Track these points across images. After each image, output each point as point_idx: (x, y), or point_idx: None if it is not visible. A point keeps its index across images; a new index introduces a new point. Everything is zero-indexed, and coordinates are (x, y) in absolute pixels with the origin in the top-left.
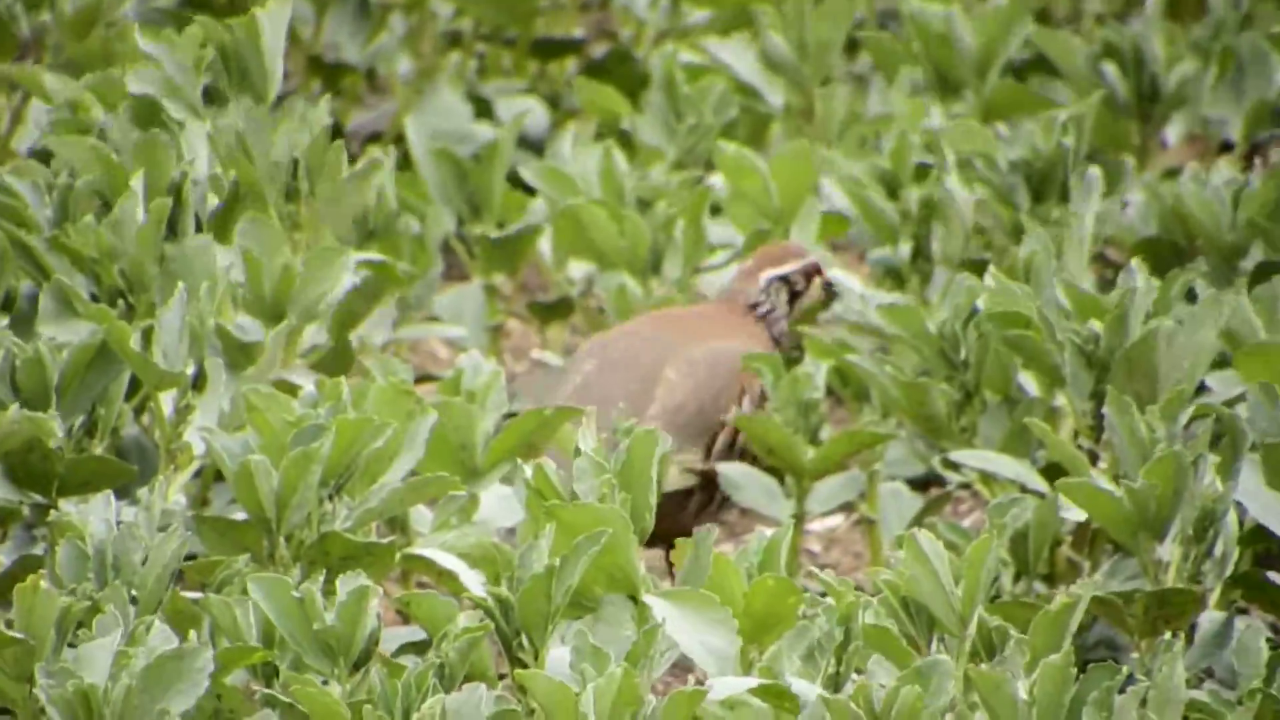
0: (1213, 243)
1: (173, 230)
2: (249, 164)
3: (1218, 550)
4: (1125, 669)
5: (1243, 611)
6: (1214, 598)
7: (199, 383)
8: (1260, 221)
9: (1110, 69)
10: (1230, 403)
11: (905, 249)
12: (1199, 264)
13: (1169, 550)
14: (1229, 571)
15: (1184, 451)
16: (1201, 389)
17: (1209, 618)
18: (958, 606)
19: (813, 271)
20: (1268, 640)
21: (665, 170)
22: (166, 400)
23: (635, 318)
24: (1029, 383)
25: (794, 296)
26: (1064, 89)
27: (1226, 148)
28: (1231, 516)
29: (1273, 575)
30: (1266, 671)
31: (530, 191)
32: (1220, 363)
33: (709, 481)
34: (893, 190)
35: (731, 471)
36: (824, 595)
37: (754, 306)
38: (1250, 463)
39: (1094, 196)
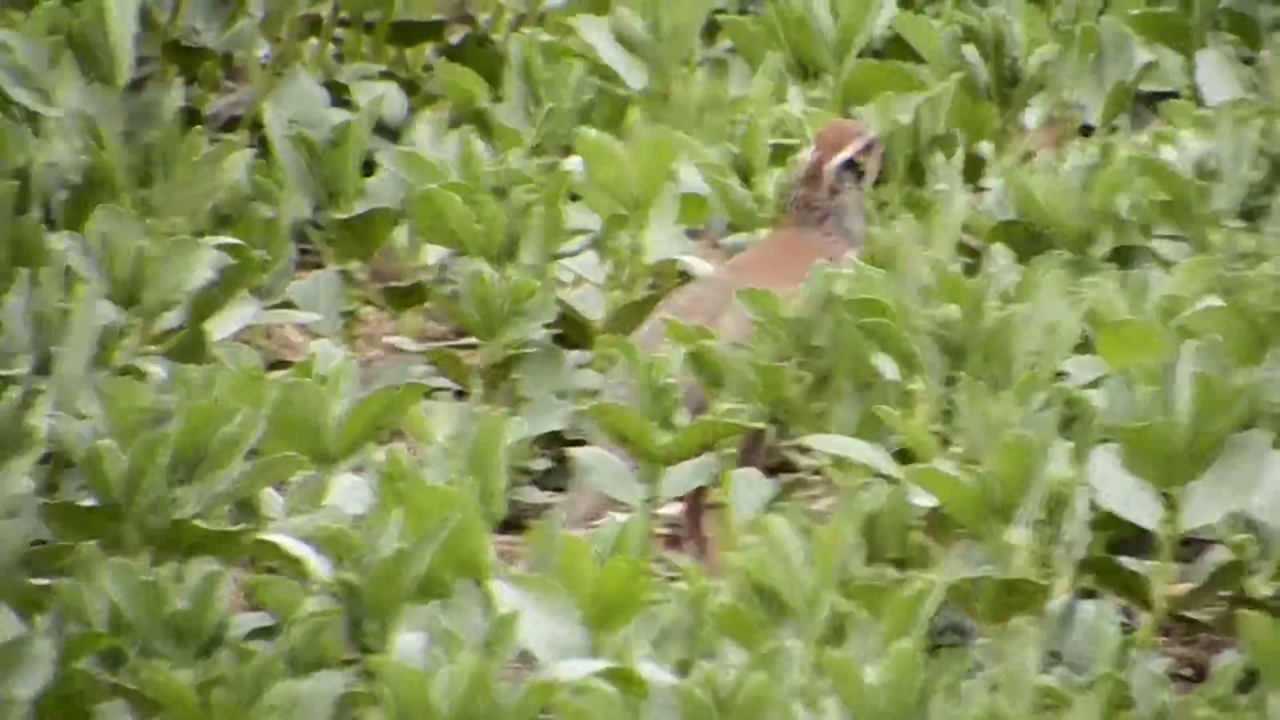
0: (1064, 228)
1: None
2: (100, 150)
3: (1068, 535)
4: (975, 655)
5: (1091, 595)
6: (1064, 583)
7: (46, 368)
8: (1109, 207)
9: (971, 52)
10: (1088, 387)
11: (761, 234)
12: (1062, 250)
13: (1019, 535)
14: (1079, 556)
15: (1032, 436)
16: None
17: (1057, 601)
18: (809, 591)
19: (872, 144)
20: (1120, 625)
21: (524, 155)
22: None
23: (727, 262)
24: (888, 365)
25: (860, 178)
26: (926, 73)
27: (1086, 131)
28: (1083, 501)
29: (1125, 560)
30: (1118, 656)
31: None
32: (1080, 346)
33: None
34: (746, 175)
35: (583, 455)
36: (674, 580)
37: (825, 219)
38: (1105, 448)
39: (958, 181)
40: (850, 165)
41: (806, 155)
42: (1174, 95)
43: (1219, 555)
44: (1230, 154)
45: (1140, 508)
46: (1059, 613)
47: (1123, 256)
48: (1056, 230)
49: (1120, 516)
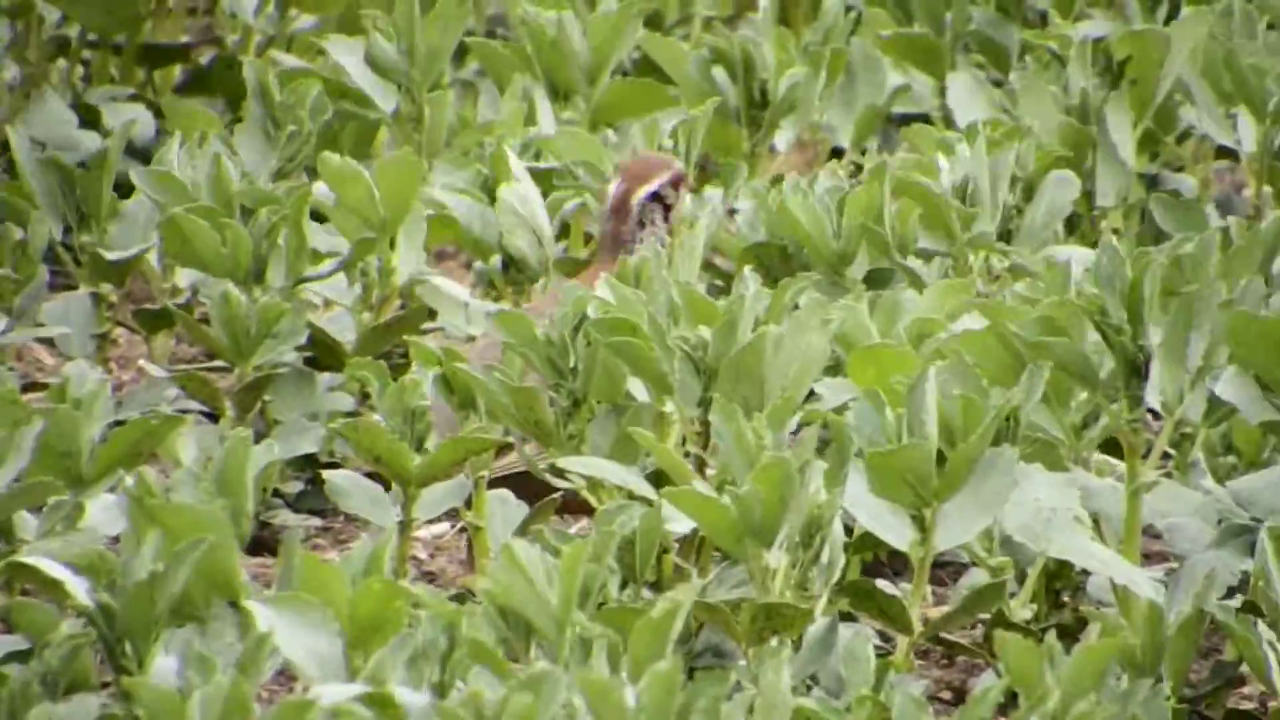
0: (818, 250)
1: None
2: None
3: (825, 558)
4: (733, 676)
5: (850, 618)
6: (821, 605)
7: None
8: (869, 226)
9: (721, 75)
10: (841, 409)
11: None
12: (812, 272)
13: (777, 557)
14: (835, 579)
15: (790, 458)
16: (813, 396)
17: (815, 624)
18: (555, 613)
19: (679, 179)
20: (875, 648)
21: (268, 178)
22: None
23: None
24: (641, 389)
25: (667, 211)
26: (676, 94)
27: (837, 153)
28: (839, 524)
29: (881, 583)
30: (875, 679)
31: None
32: (833, 368)
33: None
34: (495, 198)
35: (337, 479)
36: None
37: (634, 252)
38: (857, 470)
39: (711, 207)
40: (656, 197)
41: (611, 188)
42: (925, 118)
43: (976, 578)
44: (986, 176)
45: (893, 530)
46: (817, 635)
47: (877, 278)
48: (810, 252)
49: (877, 539)
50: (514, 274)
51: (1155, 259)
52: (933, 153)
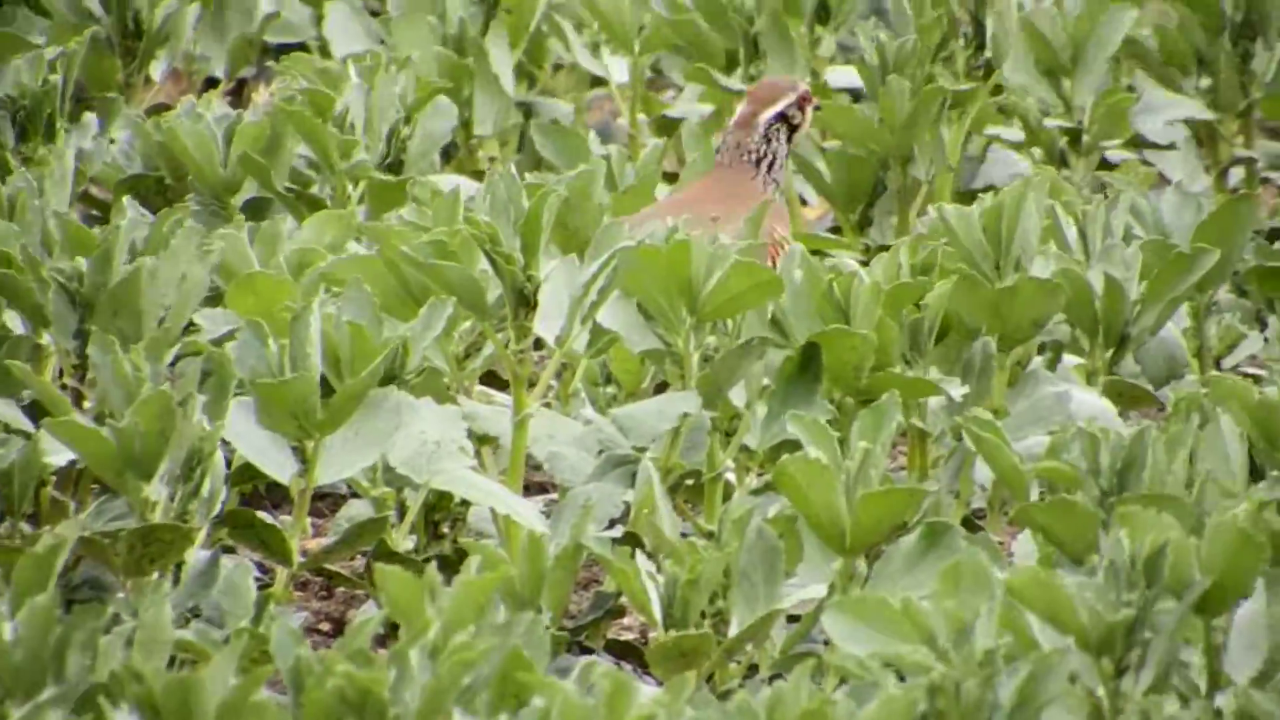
0: (205, 179)
1: None
2: None
3: (205, 489)
4: (111, 609)
5: (230, 550)
6: (202, 536)
7: None
8: (254, 157)
9: (96, 5)
10: (222, 340)
11: None
12: (190, 201)
13: (158, 490)
14: (216, 510)
15: (170, 390)
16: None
17: (197, 557)
18: None
19: (805, 100)
20: (255, 579)
21: None
22: None
23: (666, 198)
24: (18, 319)
25: (792, 131)
26: (44, 26)
27: (212, 84)
28: (219, 455)
29: (262, 514)
30: (255, 610)
31: None
32: (213, 299)
33: None
34: None
35: None
36: None
37: (758, 162)
38: (240, 401)
39: (86, 135)
40: (783, 118)
41: (739, 108)
42: (303, 47)
43: (356, 510)
44: (368, 106)
45: (275, 462)
46: (199, 567)
47: (259, 208)
48: (197, 180)
49: (256, 470)
50: None
51: (553, 190)
52: (315, 82)
